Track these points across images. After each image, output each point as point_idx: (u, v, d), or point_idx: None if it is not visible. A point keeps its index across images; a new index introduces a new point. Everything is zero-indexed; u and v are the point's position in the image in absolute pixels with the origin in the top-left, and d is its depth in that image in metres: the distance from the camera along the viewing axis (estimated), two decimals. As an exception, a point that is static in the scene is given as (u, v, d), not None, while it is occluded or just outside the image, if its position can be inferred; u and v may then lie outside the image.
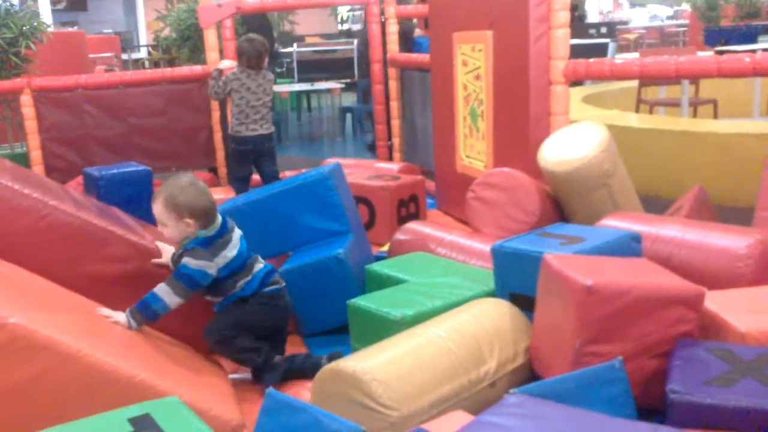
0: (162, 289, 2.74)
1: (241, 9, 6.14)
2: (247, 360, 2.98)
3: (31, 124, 6.02)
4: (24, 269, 2.82)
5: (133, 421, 1.98)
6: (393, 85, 6.31)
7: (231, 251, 2.88)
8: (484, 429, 1.74)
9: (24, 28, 6.69)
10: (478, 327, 2.58)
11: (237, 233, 2.96)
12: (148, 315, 2.73)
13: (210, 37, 6.25)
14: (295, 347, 3.36)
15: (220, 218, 2.90)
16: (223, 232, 2.88)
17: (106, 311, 2.73)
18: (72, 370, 2.35)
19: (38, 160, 6.05)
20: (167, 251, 3.06)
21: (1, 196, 2.92)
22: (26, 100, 5.99)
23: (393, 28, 6.33)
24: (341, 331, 3.29)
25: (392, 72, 6.34)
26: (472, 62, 4.48)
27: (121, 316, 2.71)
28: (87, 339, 2.43)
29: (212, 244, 2.83)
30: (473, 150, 4.62)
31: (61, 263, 3.02)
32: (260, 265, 3.01)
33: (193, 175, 2.94)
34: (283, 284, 3.07)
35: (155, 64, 13.77)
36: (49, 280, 2.85)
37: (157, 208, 2.81)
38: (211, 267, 2.81)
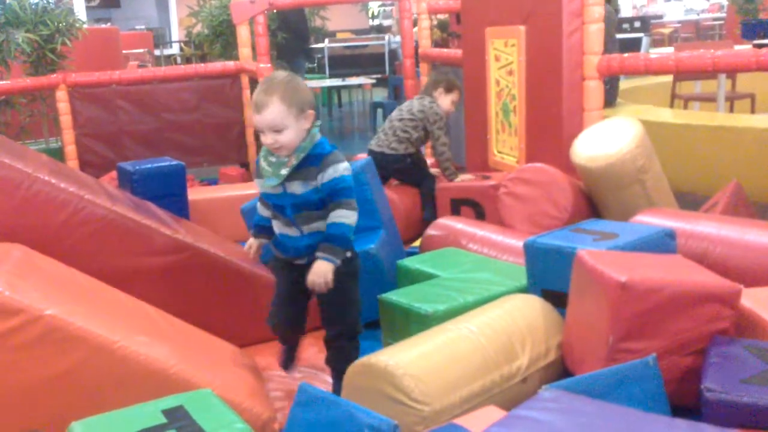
0: (341, 215, 2.48)
1: (274, 5, 6.16)
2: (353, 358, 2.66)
3: (66, 119, 6.10)
4: (60, 262, 2.86)
5: (167, 413, 2.01)
6: (425, 81, 6.29)
7: None
8: (520, 423, 1.73)
9: (60, 25, 6.78)
10: (510, 323, 2.57)
11: None
12: (344, 245, 2.52)
13: (242, 33, 6.29)
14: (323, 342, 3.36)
15: None
16: None
17: (315, 276, 2.48)
18: (107, 361, 2.38)
19: (73, 155, 6.12)
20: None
21: (38, 190, 2.97)
22: (61, 96, 6.07)
23: (425, 24, 6.31)
24: (372, 326, 3.29)
25: (424, 67, 6.32)
26: (505, 57, 4.46)
27: (322, 267, 2.47)
28: (122, 331, 2.47)
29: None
30: (505, 146, 4.60)
31: (96, 256, 3.07)
32: None
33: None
34: None
35: (187, 60, 13.87)
36: (84, 272, 2.89)
37: (275, 111, 2.43)
38: (350, 169, 2.55)
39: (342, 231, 2.49)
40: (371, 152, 4.77)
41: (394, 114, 4.86)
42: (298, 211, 2.54)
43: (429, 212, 4.68)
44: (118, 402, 2.27)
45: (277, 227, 2.65)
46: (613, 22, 6.55)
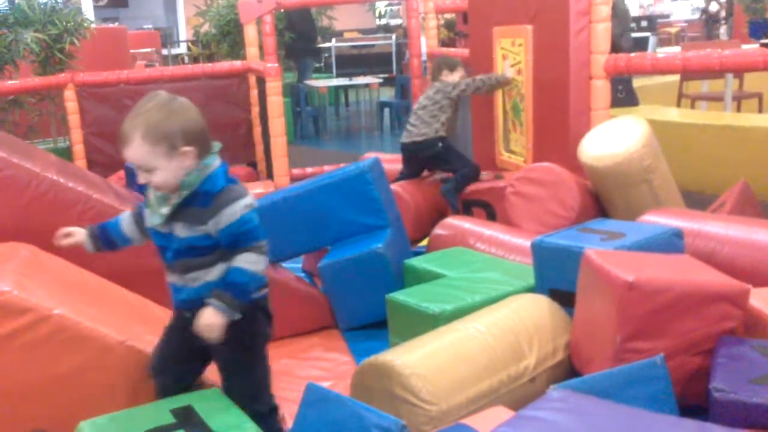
0: (246, 260, 2.05)
1: (281, 4, 6.17)
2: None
3: (74, 118, 6.11)
4: (68, 261, 2.87)
5: (176, 413, 2.01)
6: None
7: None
8: (528, 423, 1.73)
9: (68, 24, 6.80)
10: (518, 322, 2.57)
11: None
12: (243, 296, 2.06)
13: (250, 33, 6.30)
14: (333, 341, 3.38)
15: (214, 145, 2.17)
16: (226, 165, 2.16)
17: (200, 328, 2.05)
18: (115, 360, 2.38)
19: (81, 154, 6.13)
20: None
21: (46, 189, 2.98)
22: (69, 95, 6.08)
23: (432, 23, 6.31)
24: (379, 326, 3.30)
25: (431, 67, 6.31)
26: (513, 57, 4.46)
27: (209, 318, 2.03)
28: (129, 331, 2.47)
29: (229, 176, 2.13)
30: (517, 144, 4.59)
31: (104, 256, 3.04)
32: None
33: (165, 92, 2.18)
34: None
35: (195, 60, 13.90)
36: (92, 272, 2.90)
37: (136, 150, 2.00)
38: (254, 203, 2.10)
39: (244, 279, 2.05)
40: (403, 146, 4.72)
41: (416, 107, 4.78)
42: (179, 257, 2.13)
43: (452, 198, 4.51)
44: (125, 401, 2.28)
45: (166, 274, 2.23)
46: (629, 20, 6.52)
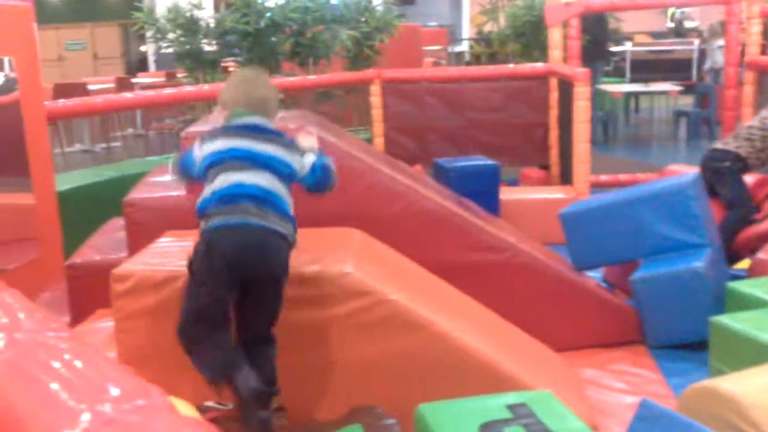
0: None
1: (590, 8, 6.08)
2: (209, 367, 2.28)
3: (377, 112, 6.41)
4: (394, 250, 3.03)
5: (512, 408, 2.05)
6: (749, 90, 5.85)
7: (214, 145, 2.40)
8: None
9: (379, 23, 7.17)
10: None
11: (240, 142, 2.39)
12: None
13: (555, 35, 6.28)
14: (640, 357, 3.28)
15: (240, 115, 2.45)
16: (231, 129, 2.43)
17: None
18: (442, 349, 2.49)
19: (380, 146, 6.43)
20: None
21: (378, 180, 3.19)
22: (375, 90, 6.39)
23: (755, 29, 5.89)
24: (691, 347, 3.17)
25: (749, 76, 5.89)
26: None
27: None
28: (455, 322, 2.57)
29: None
30: None
31: (424, 247, 3.21)
32: (238, 178, 2.33)
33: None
34: (251, 222, 2.26)
35: (476, 58, 14.09)
36: (412, 261, 3.04)
37: None
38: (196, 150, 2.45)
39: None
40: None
41: (749, 121, 4.25)
42: None
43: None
44: (447, 391, 2.35)
45: None
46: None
